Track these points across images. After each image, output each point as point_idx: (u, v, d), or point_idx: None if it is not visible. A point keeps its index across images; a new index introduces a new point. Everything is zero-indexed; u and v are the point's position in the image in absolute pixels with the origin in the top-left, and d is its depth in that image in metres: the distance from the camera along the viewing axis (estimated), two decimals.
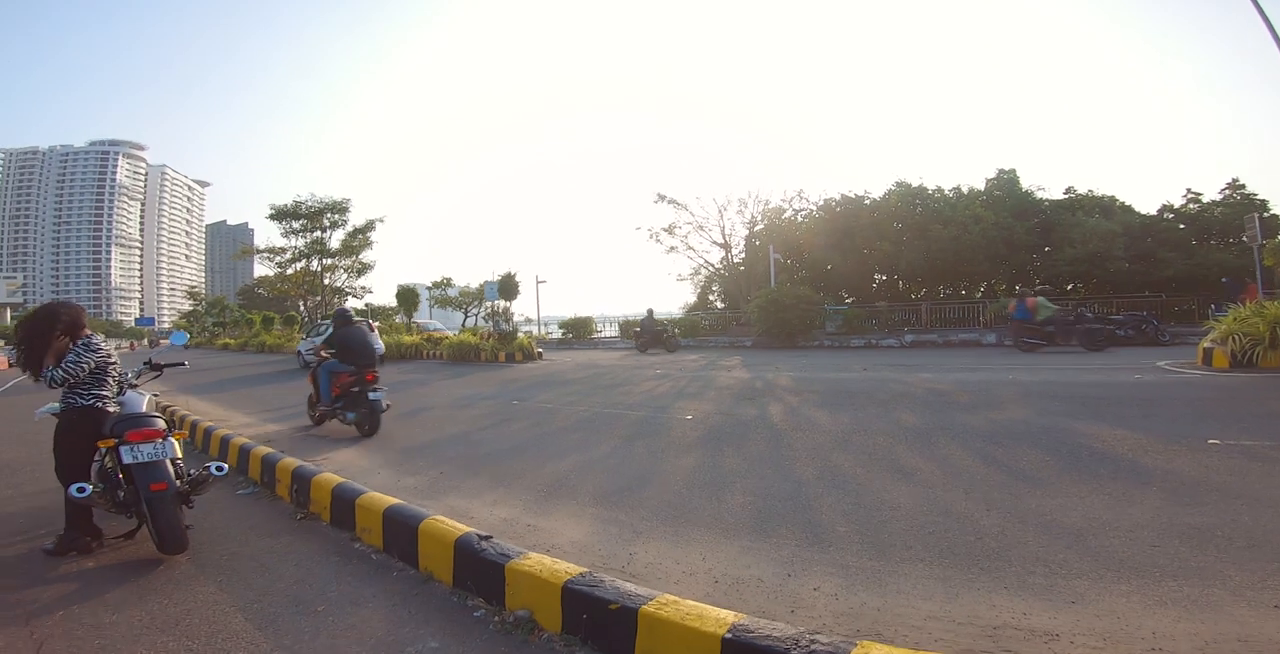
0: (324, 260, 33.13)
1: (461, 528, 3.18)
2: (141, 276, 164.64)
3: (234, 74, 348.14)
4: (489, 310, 23.33)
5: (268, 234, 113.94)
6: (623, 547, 3.58)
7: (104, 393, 3.79)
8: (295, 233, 32.51)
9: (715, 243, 32.86)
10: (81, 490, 3.40)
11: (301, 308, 37.63)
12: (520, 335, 20.80)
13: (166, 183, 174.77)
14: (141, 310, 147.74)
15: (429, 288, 38.67)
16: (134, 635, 2.70)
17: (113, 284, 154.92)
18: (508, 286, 20.25)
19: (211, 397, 13.13)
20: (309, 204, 31.84)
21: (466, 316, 39.39)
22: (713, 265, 34.34)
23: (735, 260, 33.14)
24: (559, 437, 7.02)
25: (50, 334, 3.69)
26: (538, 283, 36.13)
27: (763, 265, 28.82)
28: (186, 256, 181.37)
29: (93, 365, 3.73)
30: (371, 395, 7.32)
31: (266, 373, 19.71)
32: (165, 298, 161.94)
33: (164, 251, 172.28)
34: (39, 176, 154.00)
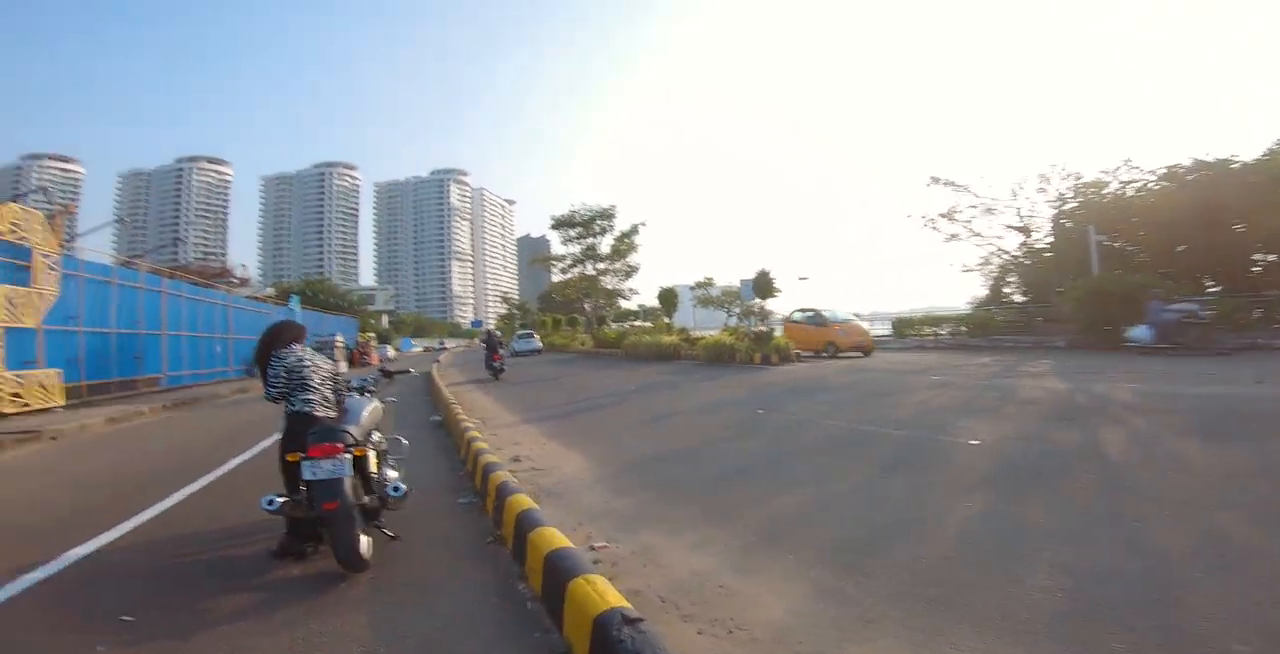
0: (596, 264, 35.92)
1: (608, 600, 2.36)
2: (473, 285, 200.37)
3: (511, 91, 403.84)
4: (744, 309, 22.64)
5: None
6: (838, 642, 2.46)
7: (310, 396, 3.80)
8: (572, 240, 35.84)
9: (1010, 227, 27.82)
10: (271, 503, 3.39)
11: (586, 308, 41.32)
12: (777, 336, 19.71)
13: (485, 203, 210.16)
14: (474, 313, 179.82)
15: (691, 288, 39.51)
16: None
17: (453, 292, 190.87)
18: (762, 284, 19.31)
19: (498, 390, 14.55)
20: (581, 213, 34.81)
21: (729, 316, 39.47)
22: (1007, 253, 29.15)
23: (1038, 246, 27.63)
24: (799, 460, 5.88)
25: (268, 349, 3.86)
26: (799, 280, 34.61)
27: (1077, 250, 23.42)
28: (503, 267, 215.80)
29: (285, 372, 3.79)
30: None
31: (534, 370, 21.68)
32: (490, 303, 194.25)
33: (487, 263, 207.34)
34: (401, 204, 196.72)
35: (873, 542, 3.60)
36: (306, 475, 3.32)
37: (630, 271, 36.08)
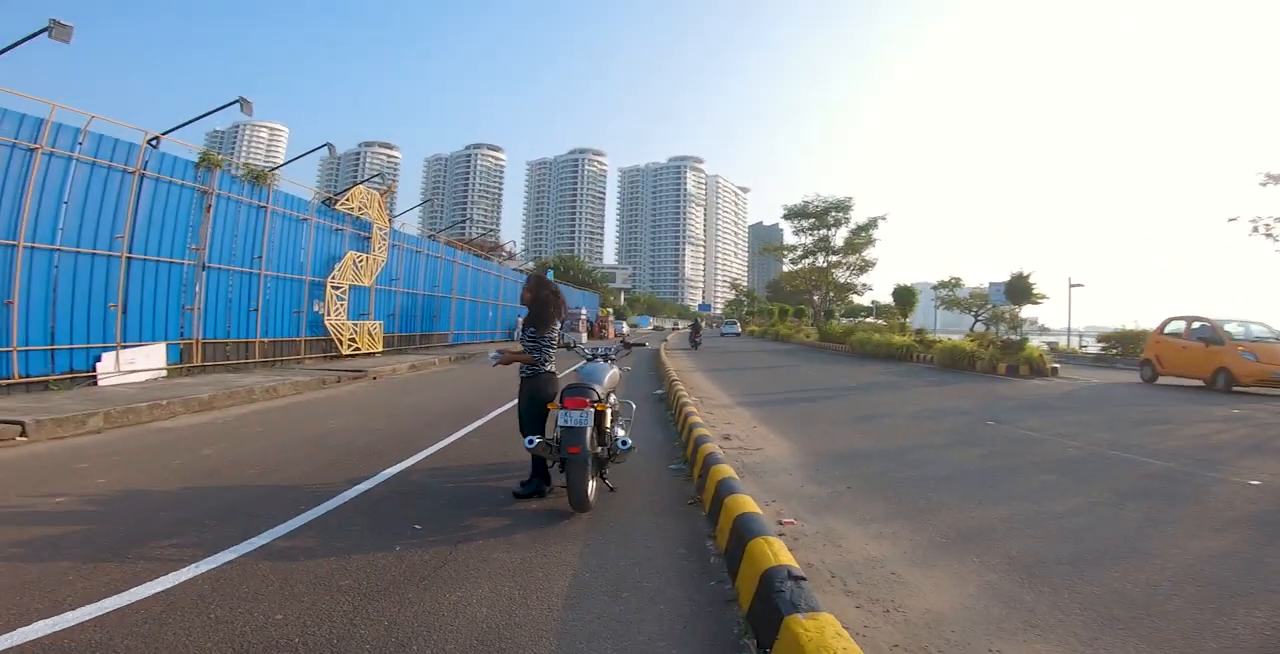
0: (829, 257, 34.88)
1: (780, 558, 2.72)
2: (704, 269, 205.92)
3: (758, 81, 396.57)
4: (992, 314, 20.47)
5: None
6: (986, 637, 2.56)
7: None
8: (804, 231, 35.18)
9: None
10: (531, 442, 4.27)
11: (815, 300, 40.49)
12: (1030, 345, 17.58)
13: (720, 190, 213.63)
14: (703, 297, 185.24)
15: (934, 287, 36.47)
16: (495, 573, 3.22)
17: (685, 275, 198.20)
18: (1018, 288, 17.33)
19: (718, 375, 15.27)
20: (815, 204, 33.97)
21: (976, 320, 35.79)
22: None
23: None
24: (1018, 475, 5.54)
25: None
26: (1070, 286, 30.01)
27: None
28: (734, 253, 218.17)
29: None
30: None
31: (756, 358, 21.93)
32: (719, 287, 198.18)
33: (719, 249, 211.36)
34: (641, 189, 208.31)
35: (1073, 562, 3.46)
36: (560, 421, 4.14)
37: (865, 266, 34.48)
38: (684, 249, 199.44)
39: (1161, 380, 14.48)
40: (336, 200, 16.42)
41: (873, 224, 33.46)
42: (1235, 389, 12.71)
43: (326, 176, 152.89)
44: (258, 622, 2.63)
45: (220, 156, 12.29)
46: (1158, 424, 8.50)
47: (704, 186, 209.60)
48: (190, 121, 11.31)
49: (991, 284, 19.13)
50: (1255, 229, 23.76)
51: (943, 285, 36.20)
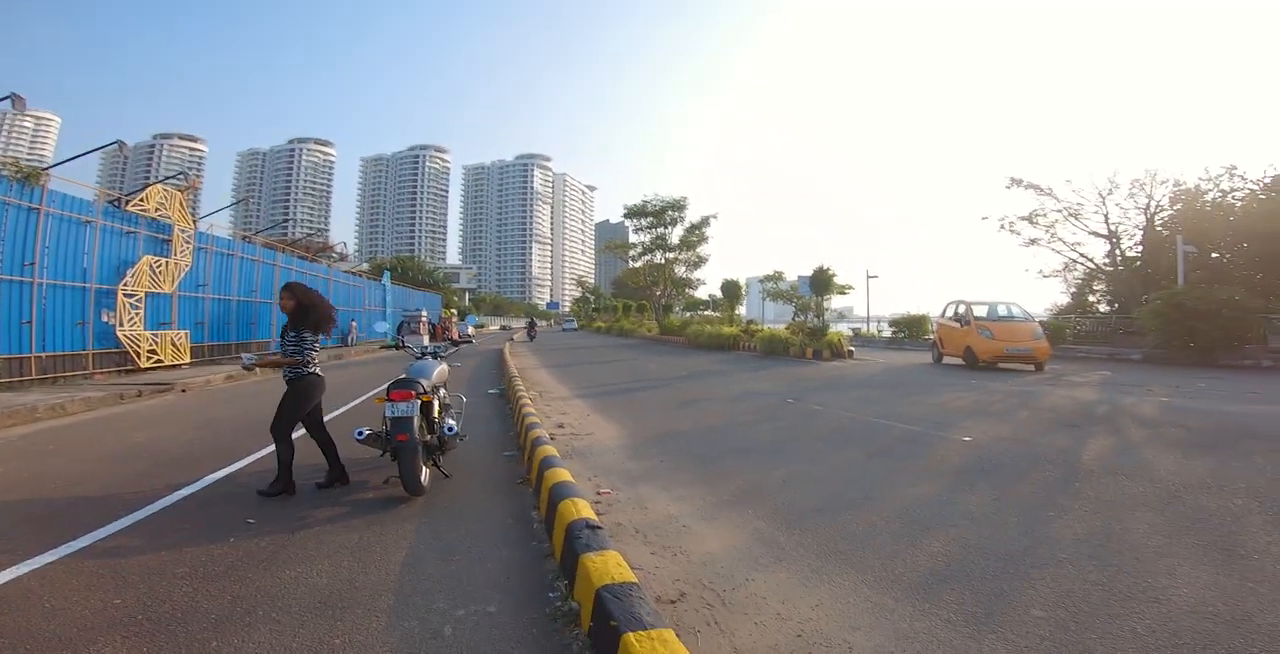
0: (666, 254, 36.81)
1: (582, 513, 3.31)
2: (551, 267, 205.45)
3: (597, 81, 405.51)
4: (799, 304, 23.01)
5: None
6: (745, 569, 3.31)
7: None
8: (644, 229, 36.86)
9: (1095, 234, 26.65)
10: (360, 434, 4.51)
11: (656, 295, 42.36)
12: (831, 332, 20.04)
13: (567, 189, 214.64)
14: (551, 295, 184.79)
15: (761, 281, 39.75)
16: (333, 552, 3.49)
17: (533, 273, 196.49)
18: (820, 280, 19.68)
19: (561, 371, 15.78)
20: (654, 203, 35.76)
21: (797, 311, 39.52)
22: (1091, 261, 27.94)
23: (1129, 255, 26.40)
24: (800, 444, 6.64)
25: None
26: (868, 278, 34.27)
27: (1169, 260, 22.37)
28: (581, 251, 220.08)
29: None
30: None
31: (598, 353, 22.80)
32: (566, 286, 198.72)
33: (566, 247, 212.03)
34: (486, 187, 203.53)
35: (822, 509, 4.36)
36: (388, 413, 4.41)
37: (700, 262, 36.79)
38: (531, 247, 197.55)
39: (947, 360, 16.67)
40: (129, 201, 14.72)
41: (705, 222, 35.83)
42: (982, 365, 14.44)
43: (111, 174, 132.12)
44: (96, 606, 2.74)
45: None
46: (916, 396, 10.31)
47: (551, 185, 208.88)
48: None
49: (800, 277, 21.52)
50: (1002, 226, 28.92)
51: (768, 279, 39.61)
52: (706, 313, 43.56)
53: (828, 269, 19.66)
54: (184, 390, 11.83)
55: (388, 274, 42.46)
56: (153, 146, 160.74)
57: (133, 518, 4.08)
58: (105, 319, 13.45)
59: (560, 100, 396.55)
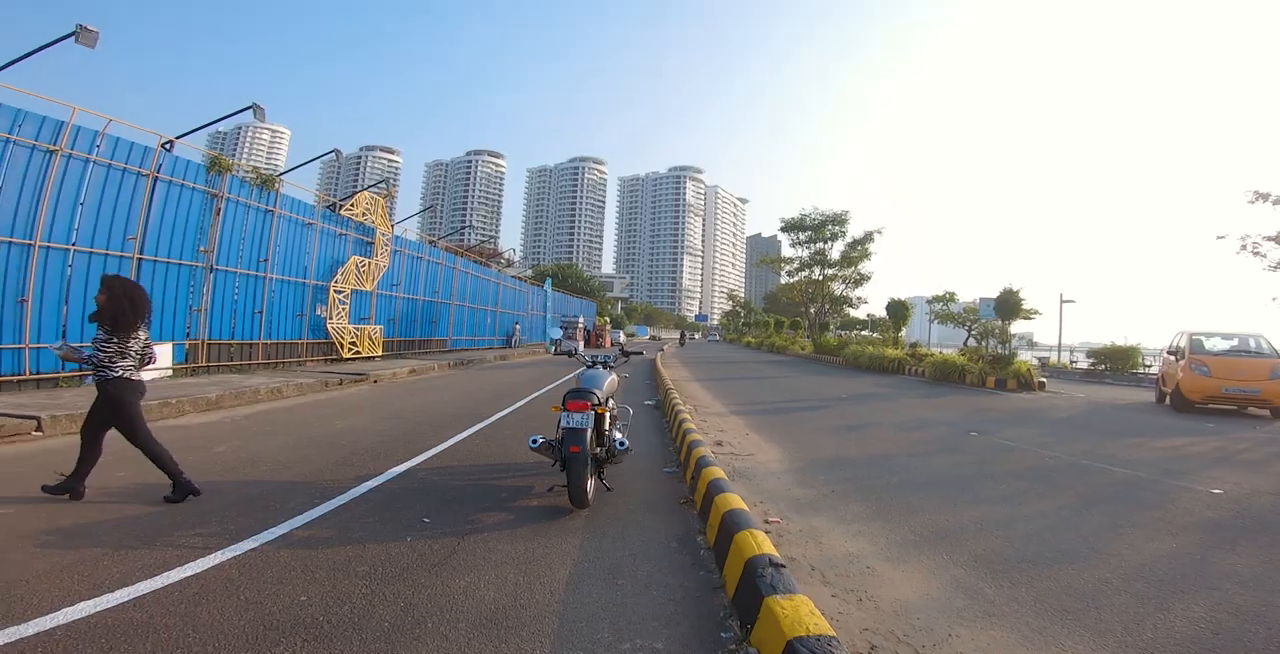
0: (824, 270, 35.23)
1: (763, 548, 3.00)
2: (701, 279, 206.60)
3: (755, 94, 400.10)
4: (981, 329, 20.82)
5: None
6: (946, 623, 2.84)
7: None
8: (801, 244, 35.56)
9: None
10: (534, 441, 4.53)
11: (810, 312, 40.79)
12: (1019, 360, 17.91)
13: (719, 201, 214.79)
14: (699, 307, 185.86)
15: (929, 302, 36.88)
16: (500, 562, 3.49)
17: (683, 285, 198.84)
18: (1007, 304, 17.68)
19: (714, 385, 15.55)
20: (812, 217, 34.35)
21: (969, 335, 36.19)
22: None
23: None
24: (993, 482, 5.82)
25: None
26: (1061, 302, 30.49)
27: None
28: (732, 264, 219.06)
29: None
30: None
31: (751, 368, 22.19)
32: (715, 298, 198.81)
33: (717, 259, 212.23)
34: (639, 198, 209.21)
35: (1034, 560, 3.74)
36: (563, 423, 4.40)
37: (861, 280, 34.79)
38: (682, 259, 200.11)
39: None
40: (341, 206, 16.73)
41: (869, 238, 33.84)
42: (1196, 408, 11.91)
43: (327, 180, 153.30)
44: (284, 603, 2.86)
45: (230, 160, 12.60)
46: (1134, 437, 8.79)
47: (703, 197, 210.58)
48: (205, 126, 11.76)
49: (981, 299, 19.51)
50: (1244, 247, 24.24)
51: (937, 300, 36.62)
52: (864, 333, 41.20)
53: (1017, 291, 17.63)
54: (375, 381, 13.10)
55: (549, 281, 44.86)
56: (359, 158, 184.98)
57: (326, 507, 4.38)
58: (319, 312, 15.33)
59: (716, 112, 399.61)
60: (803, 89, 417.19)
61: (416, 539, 3.80)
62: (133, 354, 4.43)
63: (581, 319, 36.93)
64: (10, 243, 8.50)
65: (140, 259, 10.29)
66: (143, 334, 4.54)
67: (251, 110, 11.56)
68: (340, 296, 15.86)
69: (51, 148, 8.90)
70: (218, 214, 11.77)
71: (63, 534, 3.66)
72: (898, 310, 25.99)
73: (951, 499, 5.14)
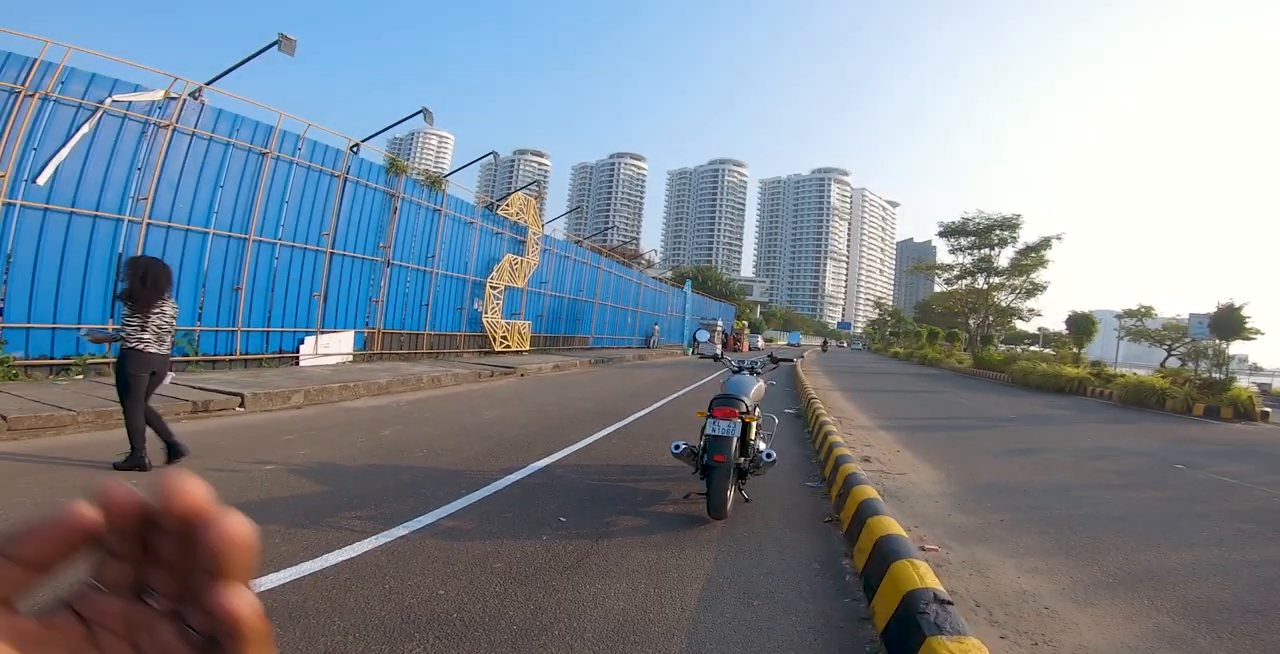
0: (990, 278, 32.11)
1: (927, 581, 2.63)
2: (845, 286, 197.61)
3: (914, 95, 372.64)
4: (1191, 349, 17.84)
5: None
6: None
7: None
8: (962, 250, 32.65)
9: None
10: (677, 447, 4.38)
11: (970, 323, 37.54)
12: (1238, 385, 15.14)
13: (866, 204, 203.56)
14: (843, 315, 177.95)
15: (1118, 316, 32.48)
16: (632, 570, 3.38)
17: (825, 291, 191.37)
18: (1226, 322, 14.96)
19: (858, 396, 14.70)
20: (977, 221, 31.35)
21: (1169, 354, 31.46)
22: None
23: None
24: (1207, 521, 4.88)
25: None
26: None
27: None
28: (880, 271, 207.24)
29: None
30: None
31: (899, 381, 20.65)
32: (860, 306, 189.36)
33: (863, 265, 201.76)
34: (780, 202, 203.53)
35: (1262, 610, 3.08)
36: (709, 430, 4.21)
37: (1033, 290, 31.32)
38: (825, 264, 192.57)
39: None
40: (497, 206, 17.79)
41: (1045, 244, 30.33)
42: None
43: (485, 182, 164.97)
44: (423, 595, 2.92)
45: (404, 162, 13.80)
46: None
47: (849, 200, 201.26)
48: (384, 129, 12.89)
49: (1193, 315, 16.63)
50: None
51: (1130, 314, 32.15)
52: (1034, 348, 37.14)
53: (1240, 307, 14.88)
54: (522, 375, 13.74)
55: (689, 283, 44.97)
56: (513, 161, 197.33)
57: (471, 498, 4.52)
58: (476, 307, 16.41)
59: (859, 110, 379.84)
60: (968, 88, 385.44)
61: (552, 539, 3.79)
62: (153, 328, 4.58)
63: (720, 322, 36.62)
64: (230, 237, 9.85)
65: (332, 253, 11.55)
66: (169, 309, 4.68)
67: (422, 114, 12.55)
68: (495, 292, 16.86)
69: (264, 150, 10.21)
70: (394, 213, 12.95)
71: (246, 509, 3.91)
72: (1081, 324, 22.99)
73: (1152, 538, 4.36)
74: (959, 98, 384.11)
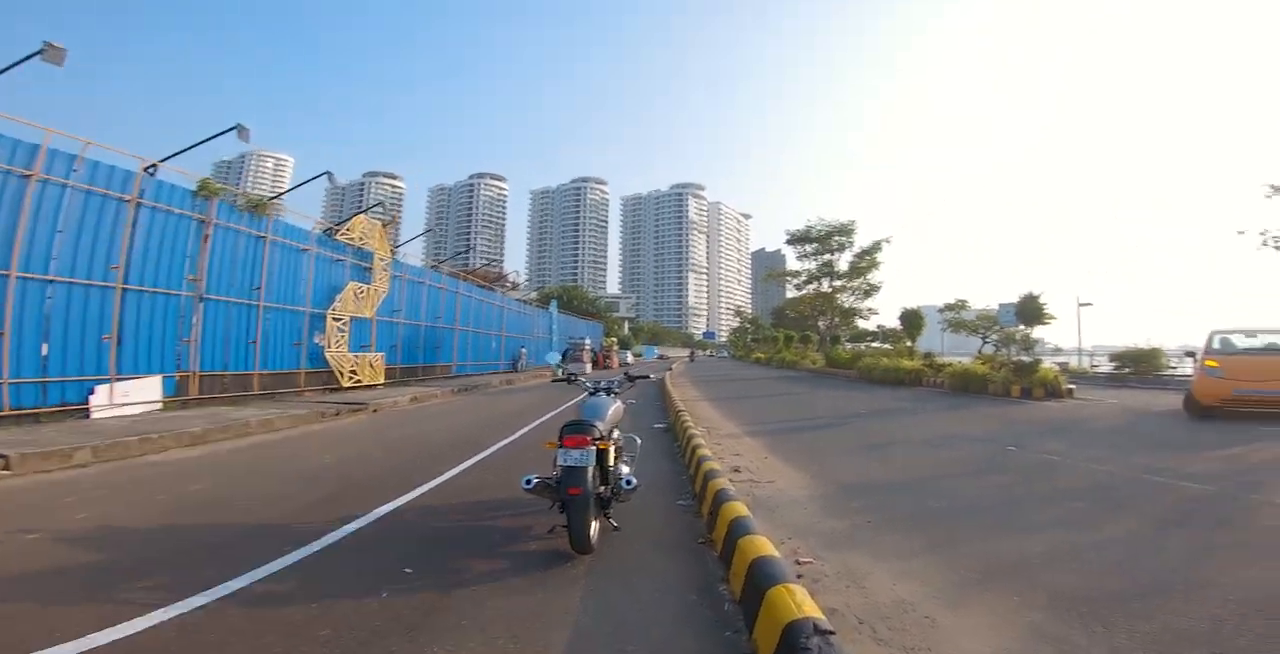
0: (833, 282, 34.69)
1: (804, 609, 2.42)
2: (708, 297, 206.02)
3: (756, 107, 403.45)
4: (1003, 336, 20.15)
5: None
6: None
7: None
8: (807, 256, 35.09)
9: None
10: (529, 482, 3.96)
11: (820, 326, 40.20)
12: (1044, 366, 17.20)
13: (722, 217, 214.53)
14: (707, 325, 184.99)
15: (940, 310, 36.23)
16: (488, 623, 2.94)
17: (689, 303, 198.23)
18: (1028, 309, 17.00)
19: (726, 404, 14.97)
20: (818, 228, 33.90)
21: (984, 343, 35.44)
22: None
23: None
24: (1051, 504, 5.21)
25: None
26: (1079, 306, 29.79)
27: None
28: (738, 280, 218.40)
29: None
30: None
31: (762, 386, 21.58)
32: (722, 315, 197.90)
33: (722, 276, 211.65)
34: (642, 217, 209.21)
35: (1123, 597, 3.17)
36: (560, 461, 3.85)
37: (870, 290, 34.23)
38: (687, 277, 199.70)
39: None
40: (337, 230, 16.38)
41: (876, 247, 33.32)
42: (1217, 410, 10.63)
43: (331, 208, 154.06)
44: None
45: (219, 185, 12.26)
46: (1187, 446, 8.14)
47: (706, 214, 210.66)
48: (186, 149, 11.34)
49: (1001, 305, 18.80)
50: (1265, 242, 23.59)
51: (949, 308, 35.92)
52: (875, 345, 40.50)
53: (1038, 296, 16.97)
54: (375, 411, 12.59)
55: (555, 303, 44.51)
56: (362, 184, 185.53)
57: (297, 555, 3.87)
58: (317, 341, 14.89)
59: (715, 127, 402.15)
60: (803, 101, 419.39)
61: (394, 594, 3.28)
62: None
63: (588, 341, 36.37)
64: None
65: (125, 289, 9.89)
66: None
67: (236, 131, 11.22)
68: (339, 324, 15.43)
69: (26, 172, 8.55)
70: (206, 241, 11.39)
71: None
72: (912, 320, 25.28)
73: (1005, 526, 4.55)
74: (792, 109, 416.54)
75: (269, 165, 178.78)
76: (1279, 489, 5.42)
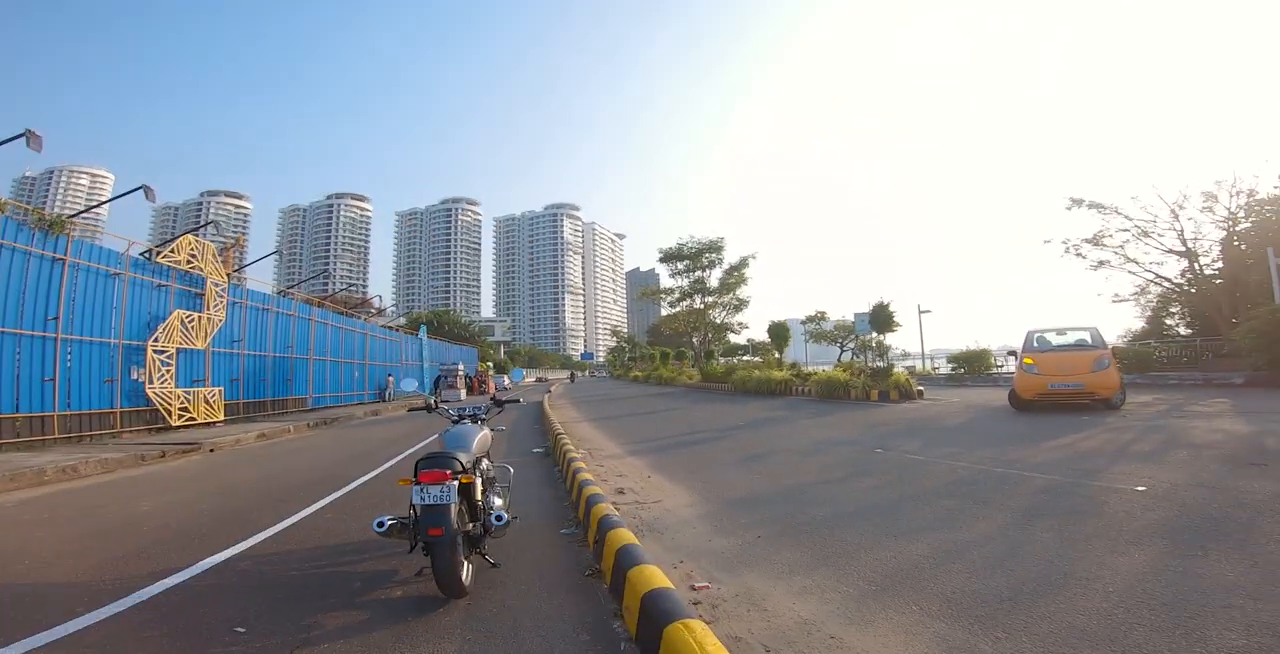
0: (705, 298, 35.85)
1: (707, 650, 2.18)
2: (584, 318, 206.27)
3: (627, 127, 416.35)
4: (859, 344, 21.64)
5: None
6: None
7: None
8: (680, 273, 36.08)
9: (1170, 251, 24.93)
10: (380, 525, 3.46)
11: (694, 342, 41.22)
12: (897, 371, 18.61)
13: (597, 237, 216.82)
14: (585, 346, 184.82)
15: (803, 322, 38.47)
16: None
17: (566, 324, 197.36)
18: (880, 318, 18.40)
19: (607, 424, 14.69)
20: (689, 246, 35.02)
21: (842, 351, 38.03)
22: (1168, 280, 26.10)
23: (1206, 272, 24.60)
24: (923, 504, 5.38)
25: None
26: (920, 313, 32.75)
27: (1256, 275, 20.78)
28: (614, 300, 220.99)
29: None
30: None
31: (642, 403, 21.64)
32: (600, 335, 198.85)
33: (598, 296, 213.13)
34: (516, 239, 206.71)
35: (1014, 597, 3.19)
36: (415, 499, 3.37)
37: (740, 305, 35.70)
38: (563, 298, 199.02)
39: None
40: (159, 252, 14.40)
41: (744, 263, 34.86)
42: (1035, 403, 11.81)
43: (162, 231, 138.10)
44: None
45: (4, 200, 10.34)
46: (1027, 438, 8.90)
47: (581, 234, 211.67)
48: None
49: (856, 315, 20.19)
50: (1067, 250, 27.31)
51: (810, 320, 38.27)
52: (747, 358, 42.22)
53: (887, 305, 18.40)
54: (212, 450, 11.08)
55: (424, 328, 42.38)
56: (200, 204, 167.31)
57: (92, 617, 3.17)
58: (135, 376, 12.93)
59: (586, 148, 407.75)
60: (667, 120, 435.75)
61: None
62: None
63: (462, 366, 34.81)
64: None
65: None
66: None
67: (25, 139, 9.53)
68: (162, 357, 13.51)
69: None
70: None
71: None
72: (779, 332, 26.56)
73: (888, 530, 4.60)
74: (657, 133, 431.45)
75: (84, 182, 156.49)
76: (1114, 475, 5.93)
